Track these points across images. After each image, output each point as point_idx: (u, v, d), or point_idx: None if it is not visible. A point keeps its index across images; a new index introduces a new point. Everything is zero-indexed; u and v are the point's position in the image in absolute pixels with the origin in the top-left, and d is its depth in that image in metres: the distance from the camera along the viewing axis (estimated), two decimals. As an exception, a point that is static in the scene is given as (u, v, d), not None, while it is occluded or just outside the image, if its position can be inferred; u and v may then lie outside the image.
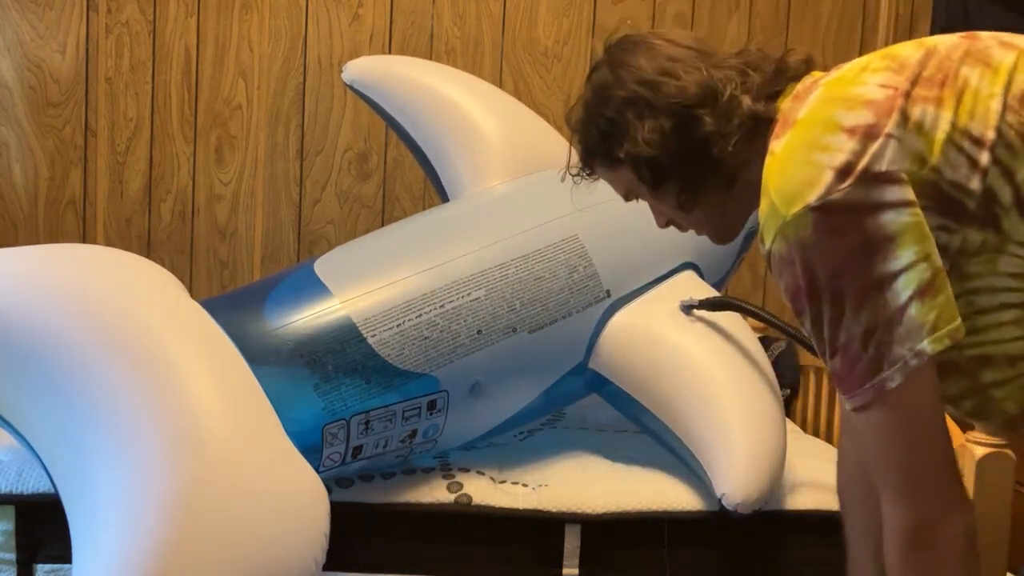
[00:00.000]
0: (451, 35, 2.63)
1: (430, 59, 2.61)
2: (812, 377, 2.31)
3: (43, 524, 1.59)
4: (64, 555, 1.60)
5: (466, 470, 1.71)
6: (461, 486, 1.66)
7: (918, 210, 1.04)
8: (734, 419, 1.64)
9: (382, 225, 2.65)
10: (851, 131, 1.06)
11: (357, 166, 2.66)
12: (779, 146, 1.11)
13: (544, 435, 1.97)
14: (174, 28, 2.60)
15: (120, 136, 2.62)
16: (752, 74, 1.19)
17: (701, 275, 1.91)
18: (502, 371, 1.69)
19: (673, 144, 1.19)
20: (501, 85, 2.63)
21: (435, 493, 1.65)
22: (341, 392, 1.55)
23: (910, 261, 1.03)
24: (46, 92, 2.60)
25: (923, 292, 1.03)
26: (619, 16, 2.64)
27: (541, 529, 1.65)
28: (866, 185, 1.03)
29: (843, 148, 1.05)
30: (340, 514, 1.61)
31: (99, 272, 1.52)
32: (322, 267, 1.69)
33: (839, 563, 1.69)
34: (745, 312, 1.77)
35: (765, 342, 2.41)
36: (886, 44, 2.47)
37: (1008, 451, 1.52)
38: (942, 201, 1.06)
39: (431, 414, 1.64)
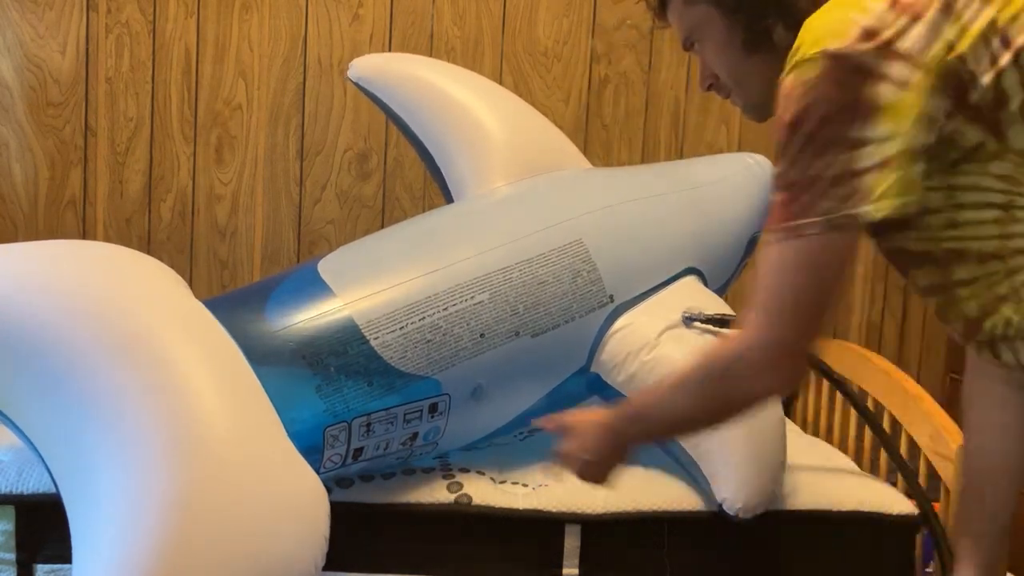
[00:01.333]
0: (451, 35, 2.63)
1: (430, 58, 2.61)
2: (812, 377, 2.31)
3: (43, 524, 1.59)
4: (64, 555, 1.60)
5: (466, 470, 1.71)
6: (461, 486, 1.66)
7: (918, 93, 1.09)
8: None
9: (382, 225, 2.65)
10: (892, 1, 1.11)
11: (357, 166, 2.66)
12: (826, 5, 1.18)
13: (544, 435, 1.96)
14: (174, 28, 2.60)
15: (120, 136, 2.62)
16: None
17: (704, 280, 1.91)
18: (504, 375, 1.68)
19: None
20: (501, 85, 2.62)
21: (435, 493, 1.65)
22: (343, 394, 1.55)
23: (883, 135, 1.09)
24: (46, 92, 2.60)
25: (885, 164, 1.09)
26: (619, 16, 2.64)
27: (541, 529, 1.65)
28: (883, 55, 1.09)
29: (877, 13, 1.11)
30: (340, 514, 1.61)
31: (100, 269, 1.52)
32: (325, 267, 1.69)
33: (839, 563, 1.69)
34: None
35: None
36: None
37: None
38: (956, 86, 1.10)
39: (432, 417, 1.64)
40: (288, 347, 1.55)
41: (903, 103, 1.09)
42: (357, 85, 2.17)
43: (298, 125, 2.64)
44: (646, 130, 2.67)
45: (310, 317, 1.58)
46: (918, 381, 1.90)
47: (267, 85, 2.63)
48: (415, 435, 1.64)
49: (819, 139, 1.11)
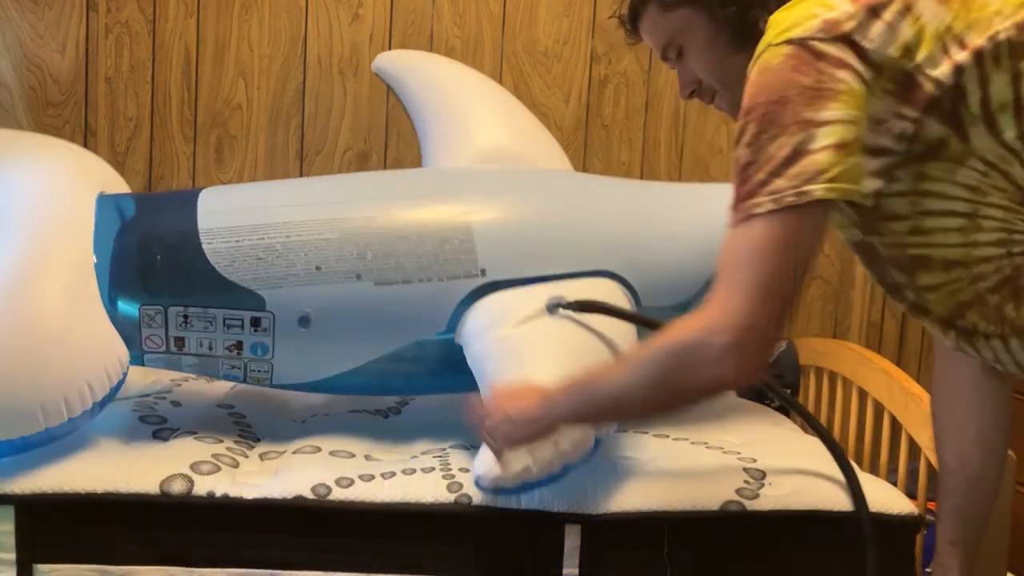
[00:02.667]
0: (451, 35, 2.63)
1: (430, 59, 2.61)
2: (812, 377, 2.31)
3: (43, 524, 1.59)
4: (64, 555, 1.60)
5: (466, 470, 1.71)
6: (461, 486, 1.65)
7: (868, 86, 1.11)
8: None
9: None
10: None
11: (357, 166, 2.66)
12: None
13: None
14: (174, 28, 2.60)
15: (120, 136, 2.62)
16: None
17: (630, 290, 1.85)
18: (339, 314, 1.75)
19: None
20: (501, 85, 2.63)
21: (435, 493, 1.64)
22: (162, 281, 1.73)
23: (839, 118, 1.10)
24: (46, 92, 2.60)
25: (840, 147, 1.10)
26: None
27: (541, 529, 1.64)
28: (842, 45, 1.11)
29: (840, 8, 1.13)
30: (339, 514, 1.61)
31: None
32: (207, 190, 1.89)
33: (839, 563, 1.69)
34: (613, 314, 1.72)
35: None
36: None
37: (1009, 452, 1.53)
38: (909, 87, 1.12)
39: (255, 331, 1.74)
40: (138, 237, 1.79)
41: (858, 93, 1.11)
42: (378, 75, 2.29)
43: (298, 125, 2.64)
44: (646, 130, 2.67)
45: (168, 219, 1.80)
46: (918, 381, 1.90)
47: (267, 85, 2.63)
48: (240, 344, 1.75)
49: (775, 120, 1.11)
